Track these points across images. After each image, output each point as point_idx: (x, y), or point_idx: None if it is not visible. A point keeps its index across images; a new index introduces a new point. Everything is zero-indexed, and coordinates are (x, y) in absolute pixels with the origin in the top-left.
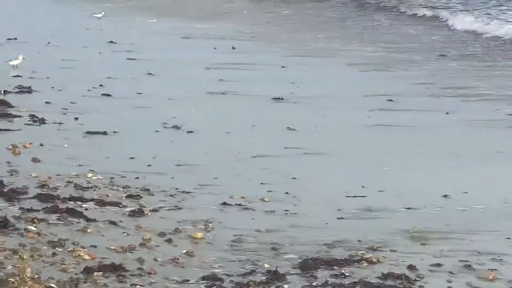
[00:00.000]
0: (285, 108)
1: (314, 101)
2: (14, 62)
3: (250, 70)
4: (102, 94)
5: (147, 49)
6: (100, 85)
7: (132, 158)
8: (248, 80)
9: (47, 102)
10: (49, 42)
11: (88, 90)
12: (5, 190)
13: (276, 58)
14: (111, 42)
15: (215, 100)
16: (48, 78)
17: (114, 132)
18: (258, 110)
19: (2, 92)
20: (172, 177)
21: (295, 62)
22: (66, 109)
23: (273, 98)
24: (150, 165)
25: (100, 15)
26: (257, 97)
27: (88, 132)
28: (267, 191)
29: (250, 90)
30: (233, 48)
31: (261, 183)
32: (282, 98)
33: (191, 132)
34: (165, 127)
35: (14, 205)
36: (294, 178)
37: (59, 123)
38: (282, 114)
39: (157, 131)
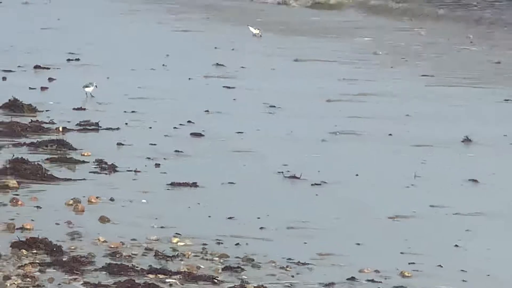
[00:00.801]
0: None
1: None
2: (89, 89)
3: (375, 102)
4: (191, 134)
5: (248, 74)
6: (189, 122)
7: (230, 218)
8: (377, 116)
9: (119, 144)
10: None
11: (174, 127)
12: (64, 259)
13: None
14: (217, 64)
15: (339, 143)
16: (122, 111)
17: (207, 184)
18: (399, 156)
19: (61, 129)
20: (284, 244)
21: (442, 93)
22: (144, 153)
23: (416, 145)
24: (256, 227)
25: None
26: (392, 138)
27: (172, 184)
28: (409, 263)
29: (380, 129)
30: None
31: (401, 253)
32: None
33: (318, 185)
34: (281, 177)
35: (77, 278)
36: (457, 246)
37: (135, 171)
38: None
39: (264, 182)
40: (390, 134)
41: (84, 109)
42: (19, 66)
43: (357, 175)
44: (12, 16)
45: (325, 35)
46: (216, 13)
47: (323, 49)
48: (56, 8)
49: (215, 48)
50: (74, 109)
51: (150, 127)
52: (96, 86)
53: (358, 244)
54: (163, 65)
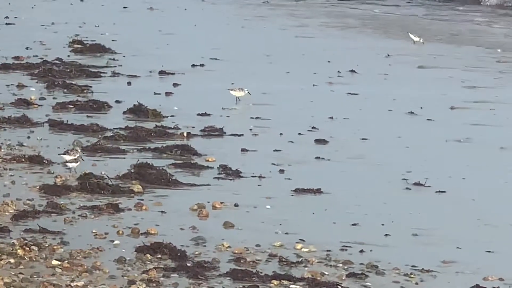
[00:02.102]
0: None
1: None
2: (237, 93)
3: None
4: (316, 140)
5: (367, 78)
6: (313, 128)
7: (355, 224)
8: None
9: (243, 150)
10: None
11: (299, 134)
12: (189, 265)
13: None
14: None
15: (459, 150)
16: (247, 117)
17: (331, 190)
18: None
19: (185, 134)
20: (407, 251)
21: None
22: (268, 159)
23: None
24: (380, 234)
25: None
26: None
27: (297, 190)
28: None
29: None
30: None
31: None
32: None
33: (442, 192)
34: (405, 183)
35: (201, 284)
36: None
37: (260, 177)
38: None
39: (388, 188)
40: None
41: (209, 114)
42: (150, 72)
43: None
44: (137, 22)
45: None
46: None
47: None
48: (179, 15)
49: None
50: (198, 114)
51: (281, 134)
52: (249, 93)
53: (483, 251)
54: (287, 72)
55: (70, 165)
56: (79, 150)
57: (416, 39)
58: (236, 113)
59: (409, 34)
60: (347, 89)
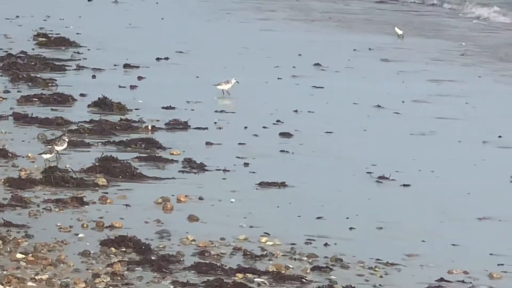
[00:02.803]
0: None
1: None
2: (224, 87)
3: None
4: (280, 134)
5: (332, 72)
6: (278, 121)
7: (319, 218)
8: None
9: (208, 143)
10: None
11: (264, 127)
12: (153, 258)
13: None
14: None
15: (424, 144)
16: (211, 110)
17: (296, 183)
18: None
19: (150, 128)
20: (372, 244)
21: None
22: (233, 152)
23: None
24: (345, 227)
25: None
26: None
27: (262, 183)
28: (498, 264)
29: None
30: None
31: (490, 254)
32: None
33: (407, 185)
34: (369, 178)
35: (165, 277)
36: None
37: (224, 170)
38: None
39: (353, 181)
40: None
41: (173, 108)
42: (115, 65)
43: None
44: (102, 15)
45: None
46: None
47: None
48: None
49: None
50: (163, 107)
51: (246, 127)
52: (237, 81)
53: (447, 244)
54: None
55: (45, 156)
56: (66, 140)
57: (400, 32)
58: (201, 106)
59: (395, 27)
60: (312, 83)
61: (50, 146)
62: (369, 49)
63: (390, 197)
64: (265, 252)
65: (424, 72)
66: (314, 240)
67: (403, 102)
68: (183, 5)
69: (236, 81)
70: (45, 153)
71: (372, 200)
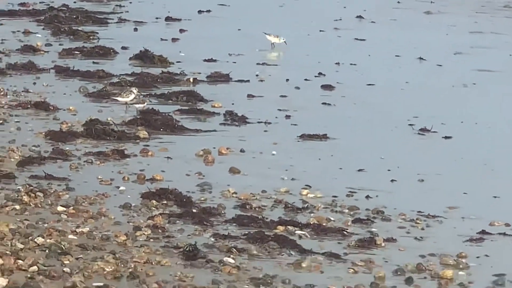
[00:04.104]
0: None
1: None
2: (273, 39)
3: None
4: (322, 86)
5: (375, 24)
6: (320, 73)
7: (361, 170)
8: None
9: (250, 96)
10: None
11: (306, 79)
12: (194, 211)
13: None
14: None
15: (466, 95)
16: (253, 63)
17: (338, 136)
18: None
19: (191, 80)
20: (413, 196)
21: None
22: (275, 104)
23: None
24: (387, 180)
25: None
26: None
27: (303, 136)
28: None
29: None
30: None
31: None
32: None
33: (449, 137)
34: (411, 130)
35: (206, 230)
36: None
37: (266, 123)
38: None
39: (394, 134)
40: None
41: (215, 60)
42: (157, 18)
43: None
44: None
45: None
46: None
47: None
48: None
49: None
50: (204, 60)
51: (287, 79)
52: (285, 42)
53: (489, 197)
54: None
55: (137, 106)
56: (134, 91)
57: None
58: (243, 59)
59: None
60: (355, 35)
61: (142, 97)
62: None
63: (432, 149)
64: (306, 205)
65: (467, 24)
66: (355, 192)
67: (445, 54)
68: None
69: (285, 41)
70: (138, 103)
71: (414, 152)
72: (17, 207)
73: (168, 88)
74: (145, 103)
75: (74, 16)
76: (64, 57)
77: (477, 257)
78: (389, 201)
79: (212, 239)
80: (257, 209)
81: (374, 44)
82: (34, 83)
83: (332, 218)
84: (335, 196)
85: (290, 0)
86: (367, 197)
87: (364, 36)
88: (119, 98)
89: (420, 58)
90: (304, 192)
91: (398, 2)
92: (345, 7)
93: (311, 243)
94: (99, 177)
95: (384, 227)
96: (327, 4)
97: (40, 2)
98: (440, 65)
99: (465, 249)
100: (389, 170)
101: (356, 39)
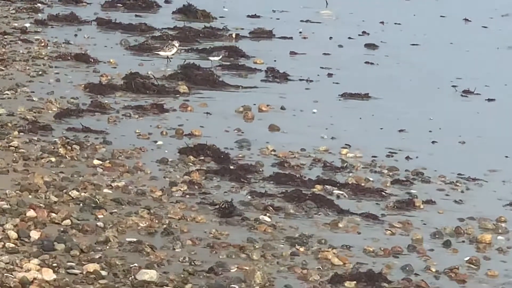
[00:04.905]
0: None
1: None
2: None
3: None
4: (366, 45)
5: None
6: (364, 32)
7: (402, 130)
8: None
9: (292, 53)
10: None
11: (349, 38)
12: (232, 168)
13: None
14: None
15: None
16: (296, 20)
17: (379, 95)
18: None
19: (234, 36)
20: (454, 158)
21: None
22: (317, 62)
23: None
24: (427, 141)
25: None
26: None
27: (345, 94)
28: None
29: None
30: None
31: None
32: None
33: (492, 100)
34: (454, 91)
35: (243, 187)
36: None
37: (307, 80)
38: None
39: (437, 95)
40: None
41: (258, 16)
42: None
43: None
44: None
45: None
46: None
47: None
48: None
49: None
50: (248, 16)
51: (331, 37)
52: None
53: None
54: None
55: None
56: (176, 45)
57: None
58: (286, 16)
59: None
60: None
61: (218, 51)
62: None
63: (474, 111)
64: (345, 164)
65: None
66: (395, 153)
67: (491, 15)
68: None
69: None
70: (213, 56)
71: (456, 114)
72: (53, 159)
73: (210, 43)
74: (221, 56)
75: None
76: (106, 9)
77: None
78: (429, 162)
79: (249, 197)
80: (295, 167)
81: (419, 3)
82: (76, 35)
83: (371, 179)
84: (374, 156)
85: None
86: (407, 158)
87: None
88: (161, 52)
89: (466, 19)
90: (344, 151)
91: None
92: None
93: (349, 203)
94: (137, 131)
95: (423, 189)
96: None
97: None
98: (486, 27)
99: (505, 213)
100: (430, 131)
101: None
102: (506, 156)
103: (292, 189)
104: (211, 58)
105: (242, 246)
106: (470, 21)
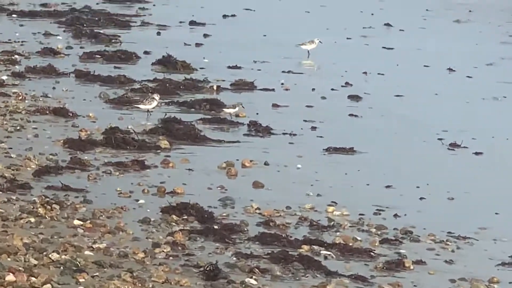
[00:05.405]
0: None
1: None
2: (308, 47)
3: None
4: (349, 96)
5: (403, 32)
6: (347, 83)
7: (389, 186)
8: None
9: (274, 105)
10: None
11: (332, 89)
12: (216, 227)
13: None
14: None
15: (497, 109)
16: (278, 71)
17: (365, 149)
18: None
19: (215, 88)
20: (443, 216)
21: None
22: (300, 115)
23: None
24: (415, 197)
25: None
26: None
27: (329, 149)
28: None
29: None
30: None
31: None
32: None
33: (480, 153)
34: (440, 145)
35: (228, 248)
36: None
37: (291, 134)
38: None
39: (423, 148)
40: None
41: (239, 67)
42: (181, 22)
43: None
44: None
45: None
46: None
47: None
48: None
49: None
50: (228, 67)
51: (313, 89)
52: (320, 42)
53: None
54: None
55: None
56: (156, 98)
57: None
58: (268, 66)
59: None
60: (382, 43)
61: (235, 103)
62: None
63: (462, 165)
64: (332, 223)
65: (497, 34)
66: (383, 210)
67: (475, 65)
68: None
69: (320, 41)
70: (228, 108)
71: (443, 168)
72: (32, 219)
73: (191, 95)
74: (237, 108)
75: (97, 19)
76: (85, 61)
77: (510, 283)
78: (418, 220)
79: (234, 258)
80: (281, 226)
81: (402, 53)
82: (54, 88)
83: (358, 238)
84: (362, 214)
85: (316, 6)
86: (395, 215)
87: (392, 44)
88: (141, 106)
89: (450, 69)
90: (330, 209)
91: (427, 10)
92: (372, 14)
93: (337, 264)
94: (118, 189)
95: (413, 248)
96: (354, 11)
97: (62, 3)
98: (470, 77)
99: (497, 274)
100: (418, 187)
101: (384, 47)
102: (496, 213)
103: (278, 249)
104: (226, 110)
105: None
106: (454, 70)
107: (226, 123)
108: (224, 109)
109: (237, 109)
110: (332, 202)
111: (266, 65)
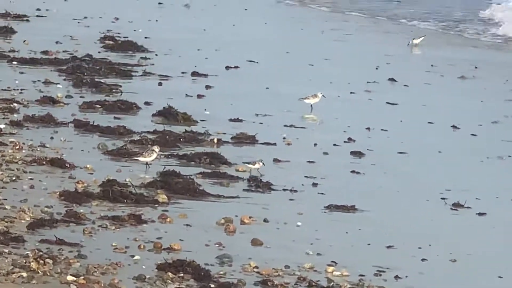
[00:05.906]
0: None
1: None
2: (311, 101)
3: None
4: (352, 153)
5: (407, 88)
6: (349, 139)
7: (390, 247)
8: None
9: (276, 160)
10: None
11: (334, 145)
12: (212, 286)
13: None
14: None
15: (502, 168)
16: (280, 124)
17: (367, 207)
18: None
19: (215, 141)
20: (445, 278)
21: None
22: (301, 171)
23: None
24: (417, 258)
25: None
26: None
27: (330, 206)
28: None
29: None
30: None
31: None
32: None
33: (483, 214)
34: (443, 204)
35: None
36: None
37: (292, 191)
38: None
39: (426, 207)
40: None
41: (241, 120)
42: (183, 72)
43: None
44: (173, 19)
45: None
46: None
47: None
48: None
49: None
50: (230, 120)
51: (315, 144)
52: (324, 96)
53: None
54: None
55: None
56: (156, 150)
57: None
58: (270, 120)
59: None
60: (386, 98)
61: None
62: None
63: (465, 226)
64: (332, 284)
65: (502, 91)
66: (384, 271)
67: (479, 122)
68: (259, 11)
69: (323, 95)
70: (251, 163)
71: (446, 229)
72: (24, 274)
73: (191, 148)
74: (261, 164)
75: (98, 67)
76: (84, 110)
77: None
78: (420, 282)
79: None
80: (279, 286)
81: (406, 108)
82: (52, 138)
83: None
84: (362, 275)
85: (320, 59)
86: (396, 277)
87: (396, 100)
88: (140, 158)
89: (454, 126)
90: (330, 269)
91: (432, 65)
92: (377, 68)
93: None
94: (114, 244)
95: None
96: (358, 65)
97: (63, 51)
98: (475, 135)
99: None
100: (419, 248)
101: (388, 103)
102: (499, 276)
103: None
104: (250, 166)
105: None
106: (459, 128)
107: (226, 178)
108: (246, 164)
109: (256, 165)
110: (332, 261)
111: (268, 118)
